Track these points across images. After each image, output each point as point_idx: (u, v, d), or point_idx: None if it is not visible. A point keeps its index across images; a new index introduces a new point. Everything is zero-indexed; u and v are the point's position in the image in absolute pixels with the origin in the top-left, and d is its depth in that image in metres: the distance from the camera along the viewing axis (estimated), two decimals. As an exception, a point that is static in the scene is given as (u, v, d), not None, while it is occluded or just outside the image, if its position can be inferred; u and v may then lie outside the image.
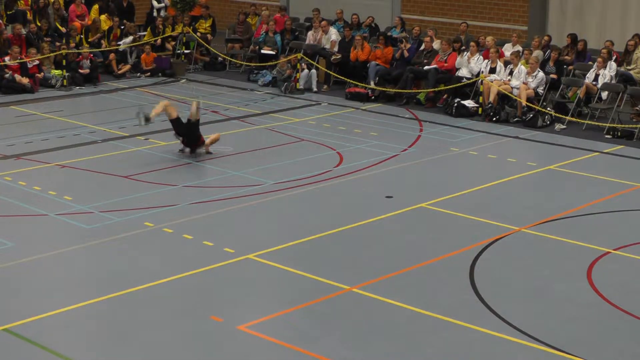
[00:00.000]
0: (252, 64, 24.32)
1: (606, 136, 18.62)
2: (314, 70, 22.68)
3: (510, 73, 20.34)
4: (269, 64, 23.75)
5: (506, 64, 20.65)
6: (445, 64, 21.32)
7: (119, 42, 24.42)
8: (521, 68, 20.18)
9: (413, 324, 10.32)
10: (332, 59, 23.11)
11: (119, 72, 23.83)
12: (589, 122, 19.24)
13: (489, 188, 15.29)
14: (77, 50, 23.30)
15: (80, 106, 20.90)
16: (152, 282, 11.23)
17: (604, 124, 18.94)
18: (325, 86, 22.88)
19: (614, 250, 12.54)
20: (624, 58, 20.66)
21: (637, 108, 19.19)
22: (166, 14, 26.49)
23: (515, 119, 19.65)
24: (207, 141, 16.61)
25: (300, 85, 22.45)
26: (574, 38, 21.73)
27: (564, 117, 19.40)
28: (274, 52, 24.24)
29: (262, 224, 13.47)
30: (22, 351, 9.55)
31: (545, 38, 21.81)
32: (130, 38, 24.54)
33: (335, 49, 23.40)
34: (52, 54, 22.78)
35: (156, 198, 14.41)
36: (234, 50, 25.38)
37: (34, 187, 14.83)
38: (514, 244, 12.82)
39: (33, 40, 23.20)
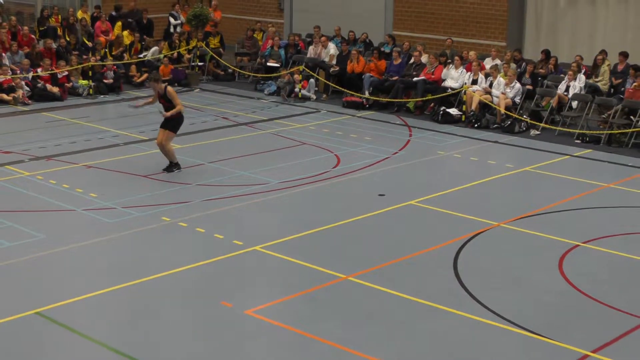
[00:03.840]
0: (259, 75, 24.30)
1: (576, 141, 18.62)
2: (312, 80, 22.70)
3: (490, 84, 20.35)
4: (274, 75, 23.76)
5: (487, 76, 20.65)
6: (432, 76, 21.31)
7: (143, 54, 24.45)
8: (500, 80, 20.18)
9: (403, 310, 10.30)
10: (330, 71, 23.13)
11: (138, 80, 23.81)
12: (561, 128, 19.22)
13: (471, 187, 15.28)
14: (102, 63, 23.31)
15: (105, 112, 20.90)
16: (169, 271, 11.22)
17: (574, 130, 18.94)
18: (324, 95, 22.88)
19: (583, 243, 12.53)
20: (592, 71, 20.66)
21: (604, 116, 19.18)
22: (182, 30, 26.47)
23: (495, 126, 19.64)
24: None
25: (304, 92, 22.43)
26: (547, 53, 21.76)
27: (538, 124, 19.39)
28: (278, 65, 24.31)
29: (267, 219, 13.46)
30: (51, 332, 9.56)
31: (516, 53, 21.80)
32: (155, 49, 24.58)
33: (334, 62, 23.41)
34: (79, 66, 22.76)
35: (172, 195, 14.40)
36: (243, 62, 25.39)
37: (63, 185, 14.82)
38: (494, 238, 12.81)
39: (62, 53, 23.19)
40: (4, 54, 22.14)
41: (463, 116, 20.11)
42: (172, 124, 15.63)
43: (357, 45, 23.99)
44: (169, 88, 15.63)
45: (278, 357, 9.26)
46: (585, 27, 23.04)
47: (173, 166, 15.66)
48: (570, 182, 15.71)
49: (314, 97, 22.51)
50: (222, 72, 25.26)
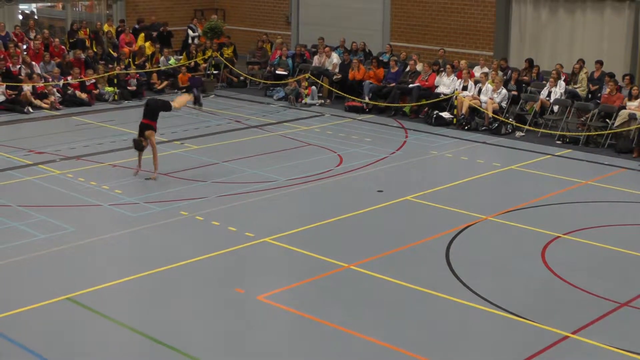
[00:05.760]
0: (269, 82, 24.29)
1: (557, 142, 18.59)
2: (314, 88, 22.70)
3: (479, 90, 20.32)
4: (282, 82, 23.75)
5: (476, 82, 20.62)
6: (426, 83, 21.28)
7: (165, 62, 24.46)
8: (488, 86, 20.15)
9: (399, 295, 10.31)
10: (333, 78, 23.11)
11: (159, 87, 23.82)
12: (543, 130, 19.20)
13: (461, 184, 15.27)
14: (126, 71, 23.31)
15: (129, 116, 20.89)
16: (187, 260, 11.23)
17: (555, 132, 18.91)
18: (327, 100, 22.87)
19: (563, 235, 12.53)
20: (571, 78, 20.62)
21: (582, 119, 19.15)
22: (198, 42, 26.48)
23: (483, 128, 19.62)
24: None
25: (308, 100, 22.45)
26: (530, 62, 21.72)
27: (523, 126, 19.36)
28: (286, 73, 24.29)
29: (276, 213, 13.46)
30: (80, 316, 9.58)
31: (502, 62, 21.82)
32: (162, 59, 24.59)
33: (337, 70, 23.40)
34: (105, 74, 22.78)
35: (190, 192, 14.41)
36: (254, 71, 25.39)
37: (91, 182, 14.84)
38: (482, 230, 12.80)
39: (90, 63, 23.20)
40: (36, 64, 22.18)
41: (454, 119, 20.08)
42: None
43: (358, 55, 23.98)
44: (149, 140, 14.89)
45: (286, 338, 9.28)
46: (564, 38, 23.01)
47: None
48: (552, 179, 15.69)
49: (321, 101, 22.49)
50: (236, 79, 25.23)
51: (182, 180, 15.12)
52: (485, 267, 11.31)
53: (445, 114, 20.26)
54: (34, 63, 22.10)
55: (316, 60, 24.21)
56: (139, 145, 15.01)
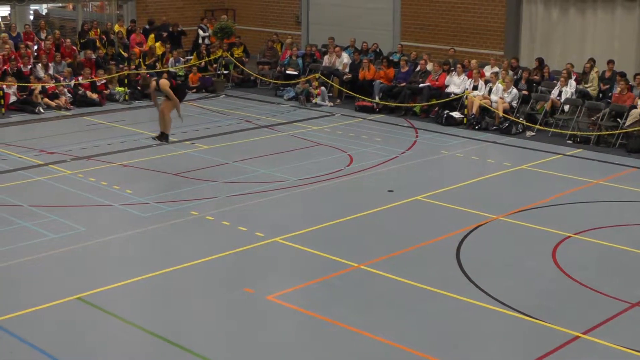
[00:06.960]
0: (279, 82, 24.30)
1: (568, 142, 18.54)
2: (323, 88, 22.67)
3: (490, 90, 20.28)
4: (292, 82, 23.76)
5: (486, 82, 20.59)
6: (437, 82, 21.26)
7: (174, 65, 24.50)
8: (498, 86, 20.12)
9: (409, 295, 10.30)
10: (344, 78, 23.11)
11: (170, 88, 23.86)
12: (554, 130, 19.15)
13: (472, 184, 15.25)
14: (136, 71, 23.38)
15: (139, 116, 20.95)
16: (197, 260, 11.25)
17: (566, 132, 18.86)
18: (338, 100, 22.86)
19: (574, 234, 12.49)
20: (582, 78, 20.56)
21: (593, 119, 19.09)
22: (209, 42, 26.52)
23: (494, 128, 19.58)
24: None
25: (318, 100, 22.43)
26: (541, 61, 21.68)
27: (533, 126, 19.32)
28: (296, 73, 24.30)
29: (286, 213, 13.47)
30: (92, 315, 9.60)
31: (513, 61, 21.78)
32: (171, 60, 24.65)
33: (347, 70, 23.39)
34: (116, 74, 22.84)
35: (200, 191, 14.43)
36: (264, 70, 25.41)
37: (102, 182, 14.88)
38: (493, 230, 12.77)
39: (101, 63, 23.27)
40: (49, 64, 22.26)
41: (464, 119, 20.05)
42: (179, 95, 15.69)
43: (368, 55, 23.96)
44: (161, 82, 15.53)
45: (295, 338, 9.28)
46: (575, 37, 22.94)
47: (163, 137, 15.58)
48: (563, 179, 15.65)
49: (331, 103, 22.46)
50: (240, 76, 25.17)
51: (193, 180, 15.15)
52: (495, 267, 11.29)
53: (456, 114, 20.23)
54: (47, 63, 22.19)
55: (326, 60, 24.22)
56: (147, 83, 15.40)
